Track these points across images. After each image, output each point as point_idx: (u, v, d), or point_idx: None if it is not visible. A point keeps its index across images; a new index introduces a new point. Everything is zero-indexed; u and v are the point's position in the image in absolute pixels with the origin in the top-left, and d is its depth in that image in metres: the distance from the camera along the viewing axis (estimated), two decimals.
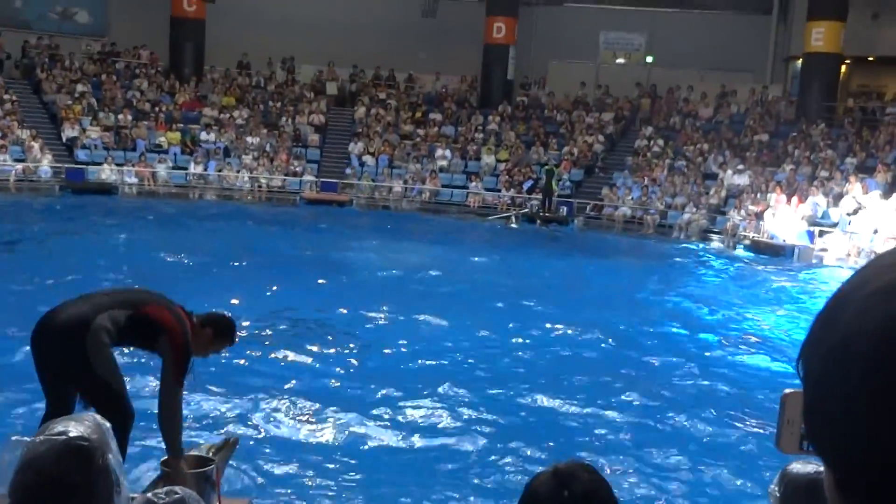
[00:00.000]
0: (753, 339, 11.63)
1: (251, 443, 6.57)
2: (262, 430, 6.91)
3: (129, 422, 4.20)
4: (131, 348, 4.54)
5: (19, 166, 23.02)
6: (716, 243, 22.18)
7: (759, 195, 22.87)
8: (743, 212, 22.53)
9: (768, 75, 30.36)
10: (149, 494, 1.98)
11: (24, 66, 27.53)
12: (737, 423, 7.70)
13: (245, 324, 10.28)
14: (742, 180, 24.02)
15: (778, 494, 2.06)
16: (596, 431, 7.35)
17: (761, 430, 7.31)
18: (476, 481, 6.20)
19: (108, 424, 1.64)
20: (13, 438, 1.55)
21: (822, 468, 1.92)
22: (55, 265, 12.96)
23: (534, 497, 1.62)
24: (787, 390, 1.85)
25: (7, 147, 23.09)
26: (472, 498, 5.93)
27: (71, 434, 1.53)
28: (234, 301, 11.02)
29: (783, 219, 21.23)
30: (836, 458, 0.69)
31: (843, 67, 27.94)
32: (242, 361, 8.68)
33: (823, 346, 0.68)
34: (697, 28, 29.55)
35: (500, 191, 25.95)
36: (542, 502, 1.60)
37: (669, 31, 30.18)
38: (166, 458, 4.14)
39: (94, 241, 15.98)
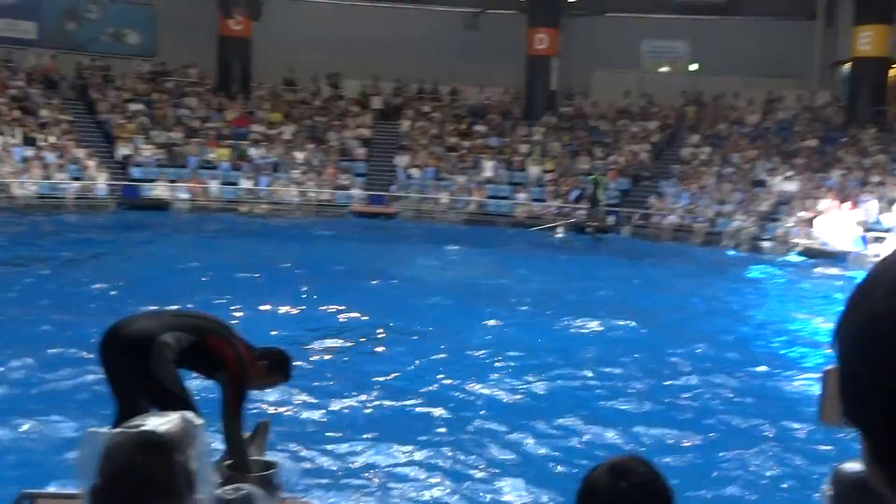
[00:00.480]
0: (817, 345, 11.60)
1: (309, 447, 6.72)
2: (329, 432, 7.04)
3: None
4: (191, 372, 4.66)
5: (77, 185, 23.57)
6: (767, 251, 21.96)
7: (809, 201, 22.63)
8: (794, 218, 22.31)
9: (815, 81, 30.02)
10: (217, 491, 2.06)
11: (78, 88, 28.18)
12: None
13: (301, 333, 10.52)
14: (791, 187, 23.79)
15: (830, 494, 2.06)
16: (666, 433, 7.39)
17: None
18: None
19: (198, 421, 1.68)
20: (90, 430, 1.62)
21: None
22: (128, 274, 13.41)
23: (592, 490, 1.65)
24: (829, 367, 1.93)
25: (65, 166, 23.66)
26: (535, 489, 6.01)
27: (145, 428, 1.59)
28: (297, 308, 11.27)
29: (835, 225, 20.99)
30: (869, 431, 0.73)
31: (892, 71, 27.55)
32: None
33: (854, 325, 0.72)
34: (741, 35, 29.31)
35: (546, 201, 25.98)
36: (600, 494, 1.63)
37: (713, 39, 29.99)
38: (230, 461, 4.26)
39: (153, 255, 16.33)
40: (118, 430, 1.60)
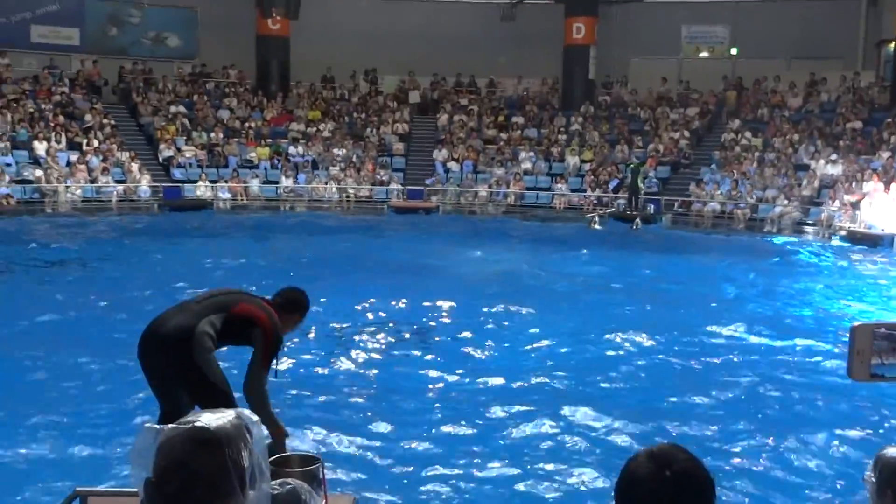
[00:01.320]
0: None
1: (356, 439, 6.79)
2: (366, 430, 7.11)
3: None
4: (227, 347, 4.84)
5: (120, 187, 24.00)
6: (810, 236, 21.65)
7: (854, 184, 22.24)
8: (838, 202, 21.95)
9: (859, 61, 29.45)
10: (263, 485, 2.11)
11: (120, 91, 28.67)
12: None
13: (346, 326, 10.62)
14: (836, 170, 23.40)
15: (874, 480, 2.06)
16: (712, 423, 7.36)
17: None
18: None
19: (255, 418, 1.70)
20: (146, 426, 1.64)
21: None
22: (181, 272, 13.66)
23: (634, 478, 1.63)
24: (856, 322, 1.93)
25: (109, 169, 24.10)
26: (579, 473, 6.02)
27: (197, 424, 1.62)
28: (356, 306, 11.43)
29: (881, 207, 20.60)
30: None
31: None
32: (348, 364, 8.97)
33: None
34: (782, 17, 28.85)
35: (585, 191, 25.86)
36: (642, 484, 1.61)
37: (753, 22, 29.58)
38: (276, 457, 4.34)
39: (200, 254, 16.59)
40: (172, 425, 1.63)
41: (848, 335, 1.77)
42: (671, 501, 1.60)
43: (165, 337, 4.59)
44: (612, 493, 1.68)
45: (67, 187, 23.31)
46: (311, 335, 10.07)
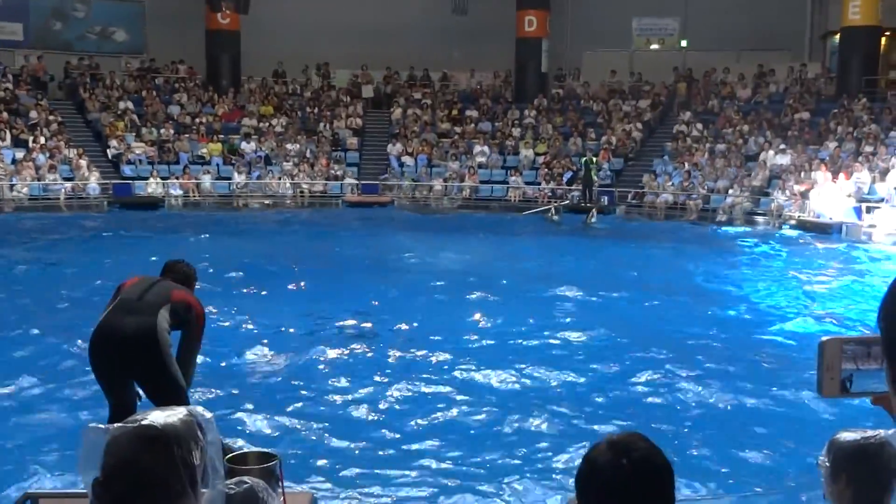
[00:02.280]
0: (814, 314, 11.70)
1: (311, 435, 6.74)
2: (320, 423, 7.05)
3: None
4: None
5: (68, 185, 23.54)
6: (761, 225, 21.99)
7: (802, 174, 22.63)
8: (787, 192, 22.32)
9: (806, 52, 29.98)
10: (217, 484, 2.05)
11: (67, 87, 28.11)
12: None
13: (296, 328, 10.53)
14: (785, 160, 23.78)
15: (828, 464, 2.09)
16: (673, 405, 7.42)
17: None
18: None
19: (207, 416, 1.66)
20: (91, 425, 1.59)
21: (868, 434, 1.99)
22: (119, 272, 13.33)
23: (593, 468, 1.63)
24: (824, 338, 1.92)
25: (56, 167, 23.62)
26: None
27: (144, 422, 1.57)
28: (295, 302, 11.27)
29: (829, 197, 21.00)
30: None
31: (883, 39, 27.47)
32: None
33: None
34: (731, 9, 29.18)
35: (540, 184, 25.97)
36: (602, 472, 1.61)
37: (703, 14, 29.89)
38: (232, 455, 4.27)
39: (148, 252, 16.32)
40: (118, 424, 1.58)
41: (817, 351, 1.76)
42: (630, 488, 1.60)
43: (132, 338, 4.66)
44: (574, 482, 1.67)
45: (13, 186, 22.79)
46: (255, 329, 10.04)
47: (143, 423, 1.57)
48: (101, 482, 1.55)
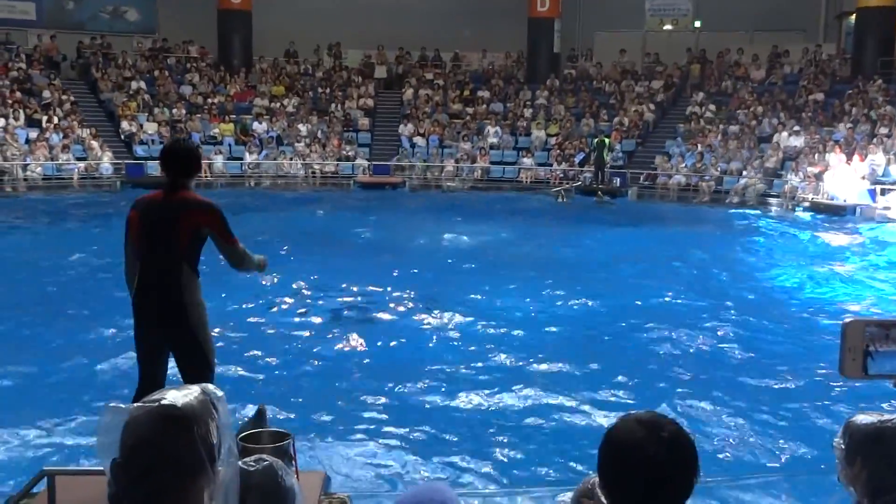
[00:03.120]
0: (827, 294, 11.71)
1: (319, 415, 6.78)
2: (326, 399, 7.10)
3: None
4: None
5: (81, 164, 23.60)
6: (774, 207, 21.89)
7: (816, 156, 22.49)
8: (801, 174, 22.19)
9: (821, 33, 29.73)
10: (239, 462, 2.08)
11: (79, 67, 28.13)
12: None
13: (320, 302, 10.60)
14: (798, 142, 23.63)
15: (843, 447, 2.08)
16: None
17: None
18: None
19: (219, 394, 1.67)
20: (111, 405, 1.59)
21: (885, 417, 2.00)
22: None
23: (627, 445, 1.64)
24: (847, 318, 1.92)
25: (69, 146, 23.68)
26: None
27: (164, 402, 1.58)
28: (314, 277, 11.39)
29: (843, 178, 20.88)
30: None
31: None
32: (308, 333, 8.94)
33: None
34: None
35: (551, 165, 25.90)
36: (639, 449, 1.62)
37: None
38: (245, 433, 4.28)
39: None
40: (137, 404, 1.59)
41: (840, 332, 1.76)
42: (666, 464, 1.62)
43: (175, 300, 4.44)
44: (599, 464, 1.67)
45: (27, 166, 22.88)
46: (273, 309, 10.09)
47: (164, 402, 1.59)
48: (121, 463, 1.56)
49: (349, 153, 26.53)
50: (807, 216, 20.51)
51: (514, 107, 28.39)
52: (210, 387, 1.69)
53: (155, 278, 4.46)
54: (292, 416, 6.60)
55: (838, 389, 7.37)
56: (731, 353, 8.82)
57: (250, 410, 5.26)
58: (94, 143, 24.19)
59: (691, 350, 8.85)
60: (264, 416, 4.65)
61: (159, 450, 1.55)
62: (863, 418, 2.09)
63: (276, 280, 11.39)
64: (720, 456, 6.15)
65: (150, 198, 4.56)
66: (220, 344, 8.27)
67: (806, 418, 6.93)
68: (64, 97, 25.68)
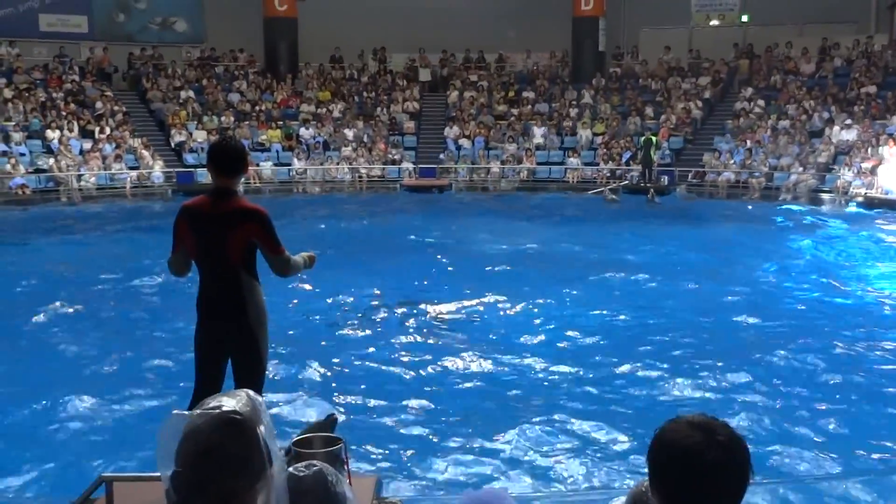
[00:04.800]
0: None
1: (374, 417, 6.83)
2: (382, 406, 7.13)
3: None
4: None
5: (133, 173, 24.06)
6: (826, 203, 21.51)
7: (869, 150, 22.05)
8: (854, 168, 21.77)
9: (872, 24, 29.09)
10: (290, 468, 2.12)
11: (130, 78, 28.68)
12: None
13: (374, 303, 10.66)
14: (851, 136, 23.19)
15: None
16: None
17: None
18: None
19: (260, 399, 1.71)
20: (175, 413, 1.64)
21: None
22: None
23: (681, 450, 1.62)
24: None
25: (122, 156, 24.16)
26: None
27: (225, 407, 1.62)
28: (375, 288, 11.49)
29: None
30: None
31: None
32: (364, 332, 9.00)
33: None
34: None
35: (598, 164, 25.75)
36: (694, 455, 1.61)
37: None
38: (298, 438, 4.35)
39: None
40: (197, 411, 1.63)
41: None
42: (723, 468, 1.62)
43: (243, 311, 4.50)
44: (651, 468, 1.68)
45: (81, 175, 23.38)
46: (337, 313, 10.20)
47: (224, 409, 1.63)
48: (184, 472, 1.61)
49: (395, 157, 26.67)
50: (861, 211, 20.10)
51: (560, 107, 28.28)
52: (252, 392, 1.73)
53: (214, 286, 4.56)
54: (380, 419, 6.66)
55: None
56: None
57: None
58: (146, 153, 24.65)
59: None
60: (333, 425, 4.68)
61: (227, 455, 1.59)
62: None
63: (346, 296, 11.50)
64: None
65: (198, 205, 4.58)
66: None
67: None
68: (116, 108, 26.20)
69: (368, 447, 6.20)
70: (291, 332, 9.12)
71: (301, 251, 4.83)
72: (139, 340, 9.20)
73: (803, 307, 10.79)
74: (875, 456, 6.14)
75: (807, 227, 18.15)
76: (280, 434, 2.08)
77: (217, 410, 1.63)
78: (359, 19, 29.54)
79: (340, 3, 29.71)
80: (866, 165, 21.46)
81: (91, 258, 14.52)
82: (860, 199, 20.86)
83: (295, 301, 10.70)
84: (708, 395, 7.36)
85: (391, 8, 29.67)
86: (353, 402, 7.24)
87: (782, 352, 8.43)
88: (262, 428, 1.65)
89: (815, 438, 6.41)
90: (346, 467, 4.33)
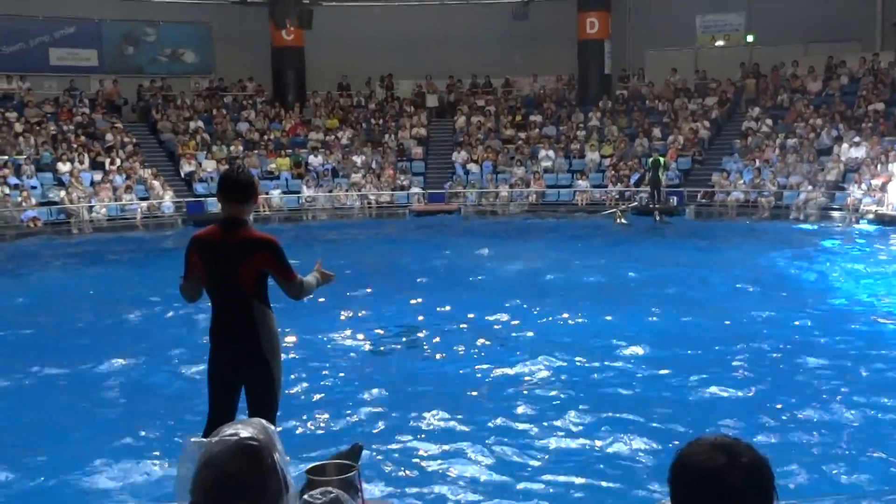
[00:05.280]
0: None
1: (390, 446, 6.79)
2: (399, 430, 7.09)
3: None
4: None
5: (144, 204, 24.19)
6: (837, 221, 21.44)
7: (879, 167, 22.01)
8: (864, 185, 21.72)
9: (878, 42, 29.11)
10: (305, 496, 2.10)
11: (140, 110, 28.93)
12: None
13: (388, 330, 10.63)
14: (860, 153, 23.16)
15: None
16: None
17: None
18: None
19: (273, 428, 1.73)
20: (192, 440, 1.64)
21: None
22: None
23: (708, 473, 1.60)
24: None
25: (132, 187, 24.30)
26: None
27: (242, 435, 1.63)
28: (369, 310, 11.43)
29: None
30: None
31: None
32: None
33: None
34: (798, 1, 28.56)
35: (606, 186, 25.76)
36: (719, 477, 1.59)
37: (769, 7, 29.29)
38: (312, 466, 4.33)
39: None
40: (215, 439, 1.64)
41: None
42: (747, 491, 1.60)
43: (259, 343, 4.55)
44: (673, 490, 1.66)
45: (91, 207, 23.51)
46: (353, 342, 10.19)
47: (242, 435, 1.64)
48: (201, 499, 1.61)
49: (404, 182, 26.75)
50: (871, 228, 20.03)
51: (567, 129, 28.35)
52: (264, 421, 1.75)
53: (227, 315, 4.59)
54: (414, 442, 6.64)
55: None
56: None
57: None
58: (156, 183, 24.79)
59: None
60: (358, 454, 4.66)
61: (246, 483, 1.60)
62: None
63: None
64: None
65: (208, 236, 4.63)
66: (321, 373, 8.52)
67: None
68: (126, 139, 26.39)
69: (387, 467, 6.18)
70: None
71: (310, 270, 4.87)
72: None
73: None
74: None
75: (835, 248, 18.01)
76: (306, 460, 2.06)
77: (234, 438, 1.64)
78: (365, 47, 29.75)
79: (347, 31, 29.94)
80: (876, 182, 21.42)
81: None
82: (871, 216, 20.79)
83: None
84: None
85: (397, 35, 29.88)
86: (371, 426, 7.19)
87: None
88: (277, 455, 1.65)
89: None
90: (360, 494, 4.29)
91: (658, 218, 22.73)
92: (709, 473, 1.60)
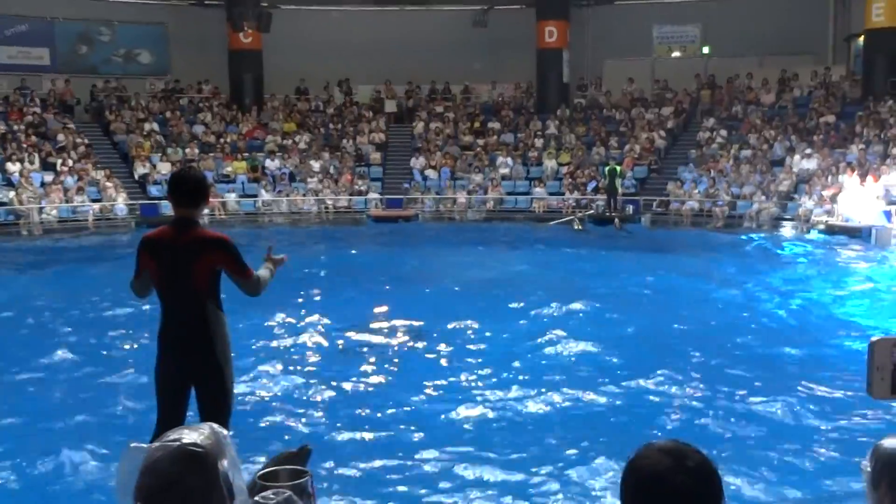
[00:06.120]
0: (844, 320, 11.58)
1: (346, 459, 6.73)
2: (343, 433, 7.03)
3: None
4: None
5: (96, 206, 23.79)
6: (788, 230, 21.80)
7: (829, 178, 22.43)
8: (815, 196, 22.11)
9: (830, 56, 29.73)
10: (257, 497, 2.06)
11: (93, 110, 28.46)
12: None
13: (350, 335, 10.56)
14: (811, 164, 23.58)
15: (869, 470, 2.03)
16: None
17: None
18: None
19: (225, 433, 1.68)
20: (132, 445, 1.59)
21: None
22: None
23: (654, 476, 1.59)
24: (874, 337, 1.86)
25: (84, 189, 23.89)
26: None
27: (185, 441, 1.58)
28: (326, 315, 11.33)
29: (857, 200, 20.78)
30: None
31: None
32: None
33: None
34: (753, 14, 29.00)
35: (564, 194, 25.92)
36: (665, 480, 1.58)
37: (724, 20, 29.76)
38: (263, 471, 4.26)
39: None
40: (156, 444, 1.59)
41: (867, 350, 1.71)
42: (693, 494, 1.59)
43: (207, 339, 4.47)
44: (622, 495, 1.64)
45: (42, 208, 23.07)
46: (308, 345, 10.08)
47: (184, 441, 1.59)
48: (146, 500, 1.55)
49: (362, 188, 26.65)
50: (821, 238, 20.40)
51: (525, 137, 28.49)
52: (216, 425, 1.70)
53: (179, 317, 4.50)
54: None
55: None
56: None
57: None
58: (109, 185, 24.39)
59: None
60: (307, 458, 4.60)
61: (185, 489, 1.55)
62: (891, 441, 2.05)
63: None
64: None
65: (159, 236, 4.58)
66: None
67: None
68: (78, 140, 25.95)
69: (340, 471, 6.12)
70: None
71: (264, 265, 4.80)
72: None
73: None
74: None
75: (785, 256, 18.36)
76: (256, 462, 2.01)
77: (177, 443, 1.59)
78: (324, 51, 29.62)
79: (305, 35, 29.79)
80: (827, 193, 21.82)
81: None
82: (821, 226, 21.17)
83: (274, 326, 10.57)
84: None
85: (356, 40, 29.78)
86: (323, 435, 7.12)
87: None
88: (224, 462, 1.61)
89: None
90: (312, 500, 4.22)
91: (618, 225, 22.97)
92: (654, 477, 1.59)
